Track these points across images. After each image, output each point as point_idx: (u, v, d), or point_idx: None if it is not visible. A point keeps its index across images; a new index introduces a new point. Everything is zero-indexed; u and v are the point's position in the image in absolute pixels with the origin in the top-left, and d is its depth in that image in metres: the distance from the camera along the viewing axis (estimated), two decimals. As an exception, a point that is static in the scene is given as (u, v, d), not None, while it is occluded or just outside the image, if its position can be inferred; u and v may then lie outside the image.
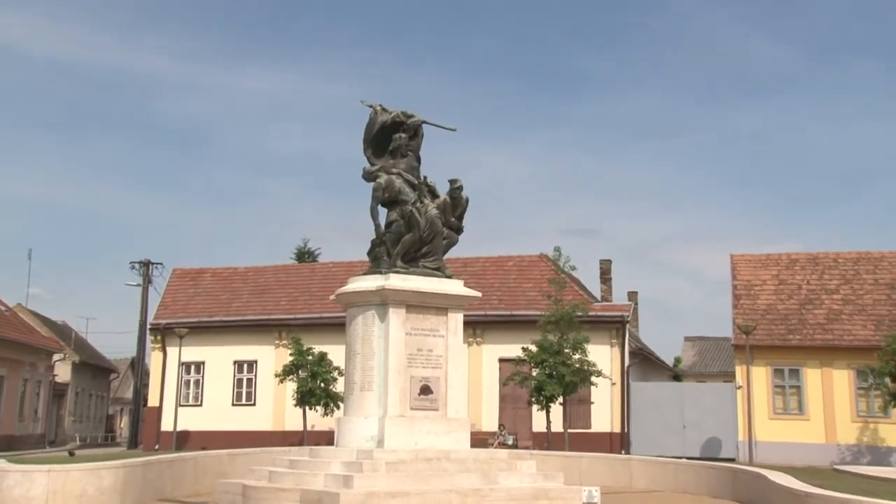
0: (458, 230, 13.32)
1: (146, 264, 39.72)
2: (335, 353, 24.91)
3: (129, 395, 51.43)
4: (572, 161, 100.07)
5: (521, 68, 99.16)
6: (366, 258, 13.34)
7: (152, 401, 35.34)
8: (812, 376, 29.13)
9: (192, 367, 34.60)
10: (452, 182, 13.18)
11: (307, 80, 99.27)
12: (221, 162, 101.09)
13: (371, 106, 13.47)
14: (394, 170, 13.02)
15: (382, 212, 13.01)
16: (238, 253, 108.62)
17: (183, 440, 32.04)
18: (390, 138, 13.26)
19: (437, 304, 12.30)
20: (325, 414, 28.41)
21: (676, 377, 47.95)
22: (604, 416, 30.32)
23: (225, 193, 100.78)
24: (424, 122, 13.52)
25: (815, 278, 31.27)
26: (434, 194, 13.16)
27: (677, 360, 55.88)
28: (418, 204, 12.72)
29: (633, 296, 44.38)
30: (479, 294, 13.23)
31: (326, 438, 25.74)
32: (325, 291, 30.64)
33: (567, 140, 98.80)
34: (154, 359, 35.80)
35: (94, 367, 53.21)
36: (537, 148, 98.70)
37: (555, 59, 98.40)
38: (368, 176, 13.12)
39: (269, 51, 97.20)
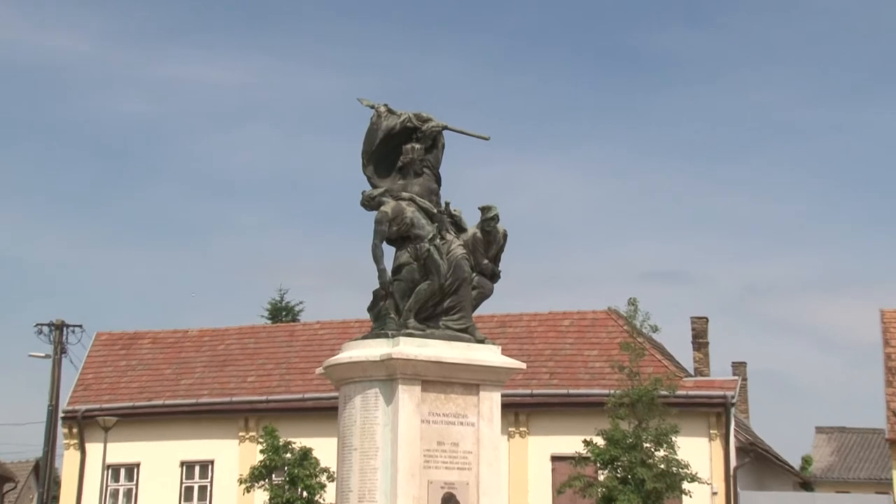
0: (494, 276, 13.54)
1: (58, 327, 40.08)
2: (323, 449, 25.01)
3: (34, 510, 51.62)
4: (653, 178, 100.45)
5: (579, 49, 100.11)
6: (366, 316, 13.57)
7: (66, 519, 35.53)
8: None
9: (123, 472, 34.77)
10: (485, 210, 13.45)
11: (286, 70, 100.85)
12: (164, 183, 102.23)
13: (372, 106, 13.80)
14: (404, 194, 13.30)
15: (389, 252, 13.25)
16: (188, 310, 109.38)
17: (109, 574, 32.14)
18: (399, 151, 13.56)
19: (464, 380, 12.50)
20: (309, 536, 28.50)
21: (806, 485, 47.62)
22: (702, 539, 30.15)
23: (169, 226, 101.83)
24: (446, 127, 13.83)
25: None
26: (460, 227, 13.42)
27: (806, 461, 55.64)
28: (438, 241, 12.95)
29: (739, 368, 44.34)
30: (523, 365, 13.45)
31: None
32: (309, 363, 30.84)
33: (645, 149, 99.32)
34: (68, 460, 35.96)
35: (-17, 474, 53.59)
36: (603, 160, 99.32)
37: (628, 36, 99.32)
38: (370, 202, 13.39)
39: (233, 29, 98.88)
